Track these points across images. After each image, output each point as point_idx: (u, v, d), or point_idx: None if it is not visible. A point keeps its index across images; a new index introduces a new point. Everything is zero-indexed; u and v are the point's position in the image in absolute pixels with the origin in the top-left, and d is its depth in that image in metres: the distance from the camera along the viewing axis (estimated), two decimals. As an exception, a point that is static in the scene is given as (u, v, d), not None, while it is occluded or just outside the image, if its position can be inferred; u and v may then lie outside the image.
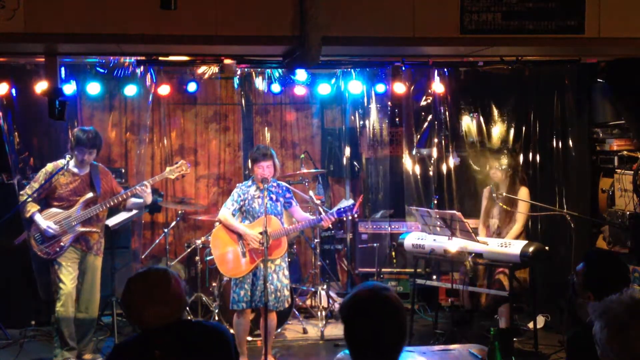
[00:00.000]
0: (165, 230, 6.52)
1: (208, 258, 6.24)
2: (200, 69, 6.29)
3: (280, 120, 7.80)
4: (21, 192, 5.38)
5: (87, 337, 5.52)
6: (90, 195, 5.39)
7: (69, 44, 4.58)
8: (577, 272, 3.13)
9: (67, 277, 5.32)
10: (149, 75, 6.15)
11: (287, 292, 5.35)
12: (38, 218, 5.25)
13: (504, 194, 5.68)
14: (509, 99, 6.82)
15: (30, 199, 5.21)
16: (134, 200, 5.57)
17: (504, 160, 5.81)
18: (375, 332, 2.20)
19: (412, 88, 6.93)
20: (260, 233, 5.14)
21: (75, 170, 5.39)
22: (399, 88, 6.10)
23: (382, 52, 5.48)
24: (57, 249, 5.28)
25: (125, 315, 2.65)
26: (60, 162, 5.34)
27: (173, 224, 6.87)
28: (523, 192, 5.74)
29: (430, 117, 6.98)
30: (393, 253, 6.80)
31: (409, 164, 6.99)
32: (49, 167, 5.36)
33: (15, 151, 6.14)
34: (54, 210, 5.31)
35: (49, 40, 4.41)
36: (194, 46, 4.91)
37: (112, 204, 5.43)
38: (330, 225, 5.65)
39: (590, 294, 3.03)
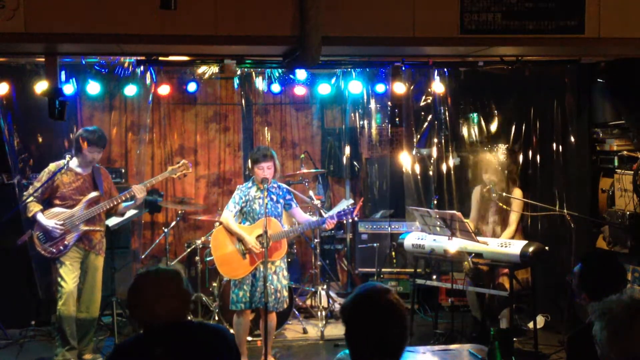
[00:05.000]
0: (165, 230, 6.52)
1: (208, 259, 6.25)
2: (200, 69, 6.30)
3: (280, 120, 7.80)
4: (24, 193, 5.37)
5: (88, 337, 5.52)
6: (93, 194, 5.40)
7: (69, 44, 4.57)
8: (573, 273, 3.13)
9: (69, 276, 5.31)
10: (149, 75, 6.15)
11: (286, 293, 5.35)
12: (41, 217, 5.24)
13: (504, 193, 5.68)
14: (509, 99, 6.82)
15: (31, 199, 5.21)
16: (124, 204, 5.56)
17: (503, 161, 5.81)
18: (377, 334, 2.20)
19: (412, 88, 6.93)
20: (259, 236, 5.16)
21: (79, 170, 5.40)
22: (399, 88, 6.10)
23: (382, 52, 5.47)
24: (62, 248, 5.28)
25: (132, 311, 2.65)
26: (62, 162, 5.35)
27: (173, 224, 6.87)
28: (517, 194, 5.74)
29: (430, 117, 6.98)
30: (393, 253, 6.80)
31: (409, 164, 6.99)
32: (52, 166, 5.35)
33: (15, 151, 6.15)
34: (56, 209, 5.30)
35: (49, 40, 4.41)
36: (194, 46, 4.91)
37: (110, 205, 5.43)
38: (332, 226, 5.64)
39: (586, 295, 3.03)
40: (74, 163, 5.37)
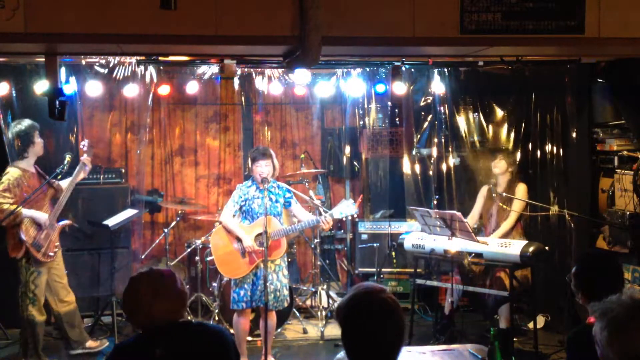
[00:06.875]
0: (165, 230, 6.53)
1: (208, 258, 6.25)
2: (200, 69, 6.29)
3: (280, 120, 7.80)
4: (5, 204, 5.12)
5: (78, 326, 5.60)
6: (52, 191, 5.46)
7: (69, 44, 4.57)
8: (571, 273, 3.14)
9: (43, 284, 5.39)
10: (149, 75, 6.15)
11: (286, 292, 5.36)
12: (31, 212, 5.23)
13: (504, 194, 5.70)
14: (509, 98, 6.82)
15: (15, 207, 5.11)
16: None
17: (504, 159, 5.84)
18: (373, 334, 2.19)
19: (412, 88, 6.93)
20: (259, 235, 5.17)
21: (32, 169, 5.43)
22: (399, 88, 6.10)
23: (382, 52, 5.48)
24: (55, 249, 5.34)
25: (130, 314, 2.66)
26: (20, 166, 5.32)
27: (173, 224, 6.87)
28: (521, 188, 5.76)
29: (430, 117, 6.99)
30: (393, 253, 6.80)
31: (409, 164, 6.99)
32: (15, 172, 5.27)
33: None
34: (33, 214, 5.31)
35: (49, 40, 4.40)
36: (194, 46, 4.91)
37: (69, 194, 5.47)
38: (331, 226, 5.65)
39: (582, 295, 3.03)
40: (23, 164, 5.36)
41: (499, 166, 5.84)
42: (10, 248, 5.31)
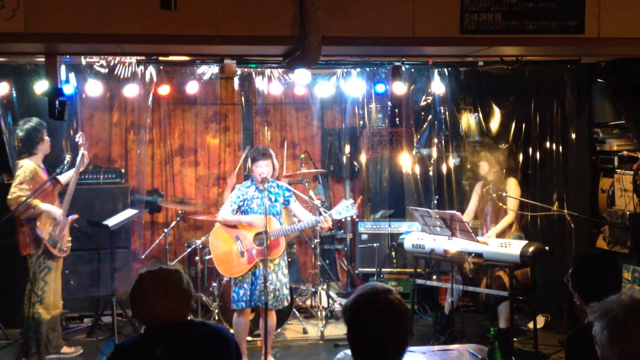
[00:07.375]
0: (165, 230, 6.52)
1: (207, 257, 6.25)
2: (200, 69, 6.29)
3: (280, 120, 7.80)
4: (21, 196, 5.17)
5: (58, 329, 5.63)
6: (59, 186, 5.51)
7: (69, 44, 4.58)
8: (568, 274, 3.13)
9: (52, 279, 5.39)
10: (149, 75, 6.15)
11: (286, 291, 5.36)
12: (47, 206, 5.27)
13: (504, 194, 5.71)
14: (509, 98, 6.83)
15: (31, 199, 5.19)
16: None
17: (485, 160, 5.86)
18: (378, 334, 2.19)
19: (412, 88, 6.93)
20: (258, 234, 5.17)
21: (42, 165, 5.47)
22: (399, 88, 6.09)
23: (382, 52, 5.48)
24: (69, 244, 5.40)
25: (133, 311, 2.68)
26: (34, 161, 5.38)
27: (173, 224, 6.87)
28: (512, 183, 5.77)
29: (430, 117, 6.99)
30: (393, 253, 6.80)
31: (409, 164, 6.99)
32: (30, 166, 5.33)
33: (16, 151, 6.14)
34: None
35: (49, 40, 4.41)
36: (194, 46, 4.92)
37: (74, 187, 5.51)
38: (331, 226, 5.66)
39: (579, 296, 3.03)
40: (35, 161, 5.40)
41: (482, 168, 5.88)
42: (22, 246, 5.33)
